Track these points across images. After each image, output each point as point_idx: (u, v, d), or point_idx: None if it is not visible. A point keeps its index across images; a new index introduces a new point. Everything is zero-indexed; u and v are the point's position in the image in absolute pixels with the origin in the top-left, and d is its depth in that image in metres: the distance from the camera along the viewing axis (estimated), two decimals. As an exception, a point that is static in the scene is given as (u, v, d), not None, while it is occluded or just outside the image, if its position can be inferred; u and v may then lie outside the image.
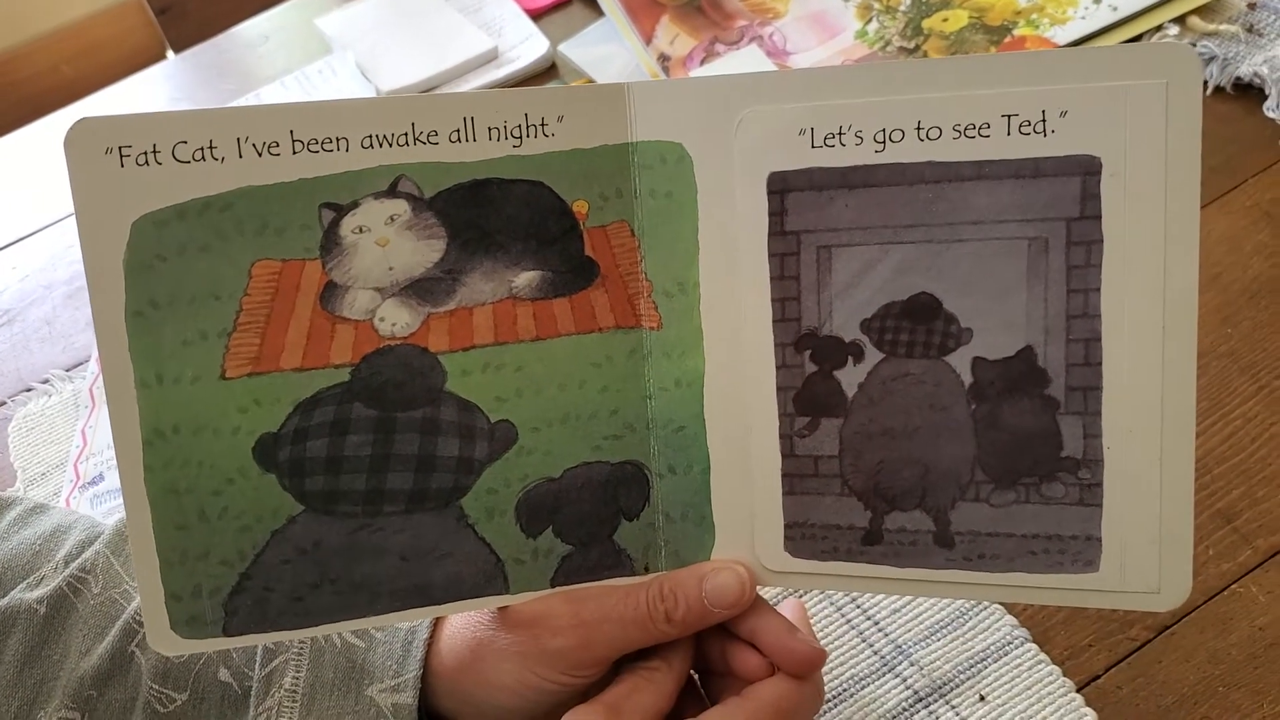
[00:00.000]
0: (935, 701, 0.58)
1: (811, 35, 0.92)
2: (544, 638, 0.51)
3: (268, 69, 1.05)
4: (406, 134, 0.47)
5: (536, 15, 1.01)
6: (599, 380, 0.51)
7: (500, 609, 0.53)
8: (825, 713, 0.59)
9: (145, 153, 0.46)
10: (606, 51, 0.95)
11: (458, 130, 0.47)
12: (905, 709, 0.59)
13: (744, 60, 0.91)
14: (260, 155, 0.46)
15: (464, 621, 0.54)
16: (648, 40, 0.93)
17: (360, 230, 0.48)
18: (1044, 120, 0.45)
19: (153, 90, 1.06)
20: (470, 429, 0.50)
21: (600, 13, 0.96)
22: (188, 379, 0.48)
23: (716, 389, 0.50)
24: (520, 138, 0.48)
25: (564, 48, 0.97)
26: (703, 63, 0.92)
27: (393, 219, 0.48)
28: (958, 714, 0.58)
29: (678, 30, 0.92)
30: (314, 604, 0.50)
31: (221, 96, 1.01)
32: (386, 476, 0.50)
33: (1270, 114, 0.83)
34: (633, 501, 0.52)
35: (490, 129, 0.47)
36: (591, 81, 0.94)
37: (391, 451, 0.50)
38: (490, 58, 0.97)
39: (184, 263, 0.47)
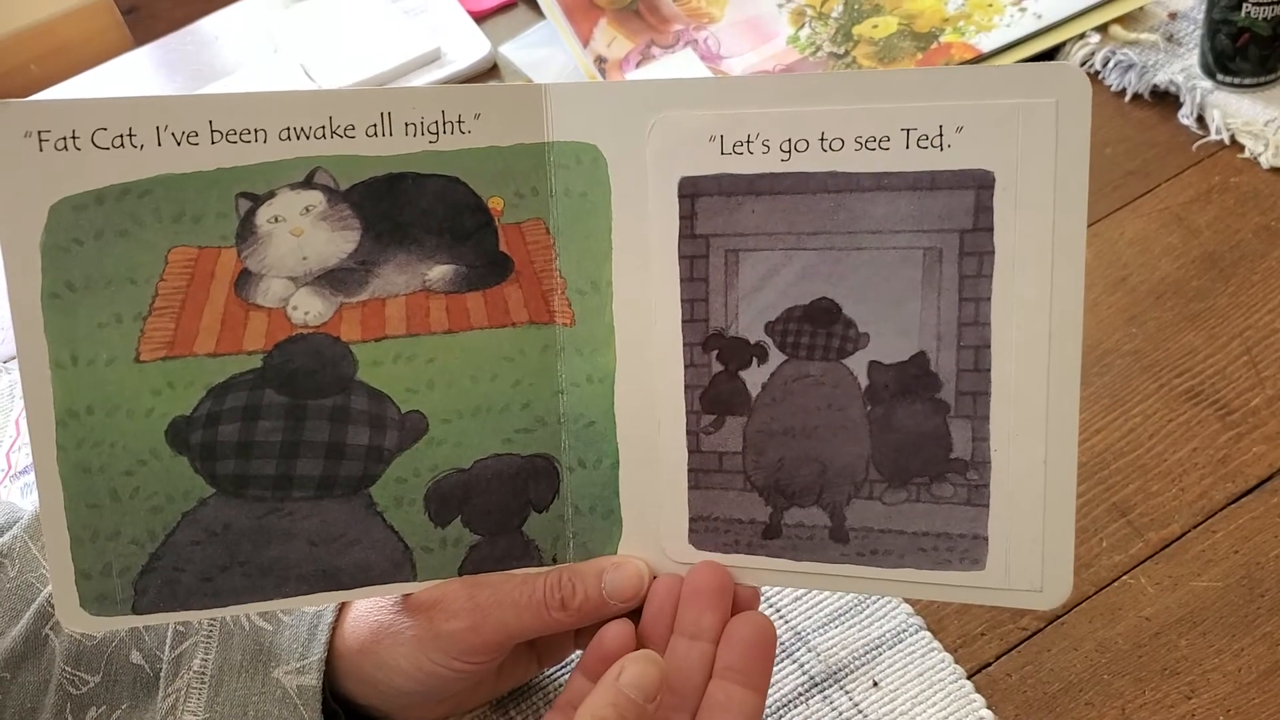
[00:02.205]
0: (830, 687, 0.62)
1: (745, 40, 0.97)
2: (438, 621, 0.54)
3: (217, 67, 1.08)
4: (324, 127, 0.50)
5: (480, 17, 1.06)
6: (511, 374, 0.54)
7: (407, 596, 0.56)
8: None
9: (65, 138, 0.49)
10: (546, 54, 1.00)
11: (375, 125, 0.51)
12: (801, 693, 0.62)
13: (679, 63, 0.96)
14: (179, 144, 0.49)
15: (368, 606, 0.57)
16: (585, 43, 0.97)
17: (276, 220, 0.51)
18: (941, 135, 0.49)
19: (106, 86, 1.08)
20: (380, 418, 0.53)
21: (542, 15, 1.00)
22: (102, 361, 0.51)
23: (627, 386, 0.54)
24: (437, 134, 0.51)
25: (505, 49, 1.01)
26: (638, 65, 0.96)
27: (308, 209, 0.51)
28: (851, 699, 0.62)
29: (615, 33, 0.97)
30: (223, 585, 0.54)
31: (169, 93, 1.04)
32: (296, 462, 0.53)
33: (1184, 121, 0.89)
34: (542, 494, 0.55)
35: (407, 124, 0.51)
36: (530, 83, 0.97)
37: (302, 438, 0.53)
38: (433, 58, 1.01)
39: (101, 246, 0.50)
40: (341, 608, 0.58)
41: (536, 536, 0.56)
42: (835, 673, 0.63)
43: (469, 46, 1.02)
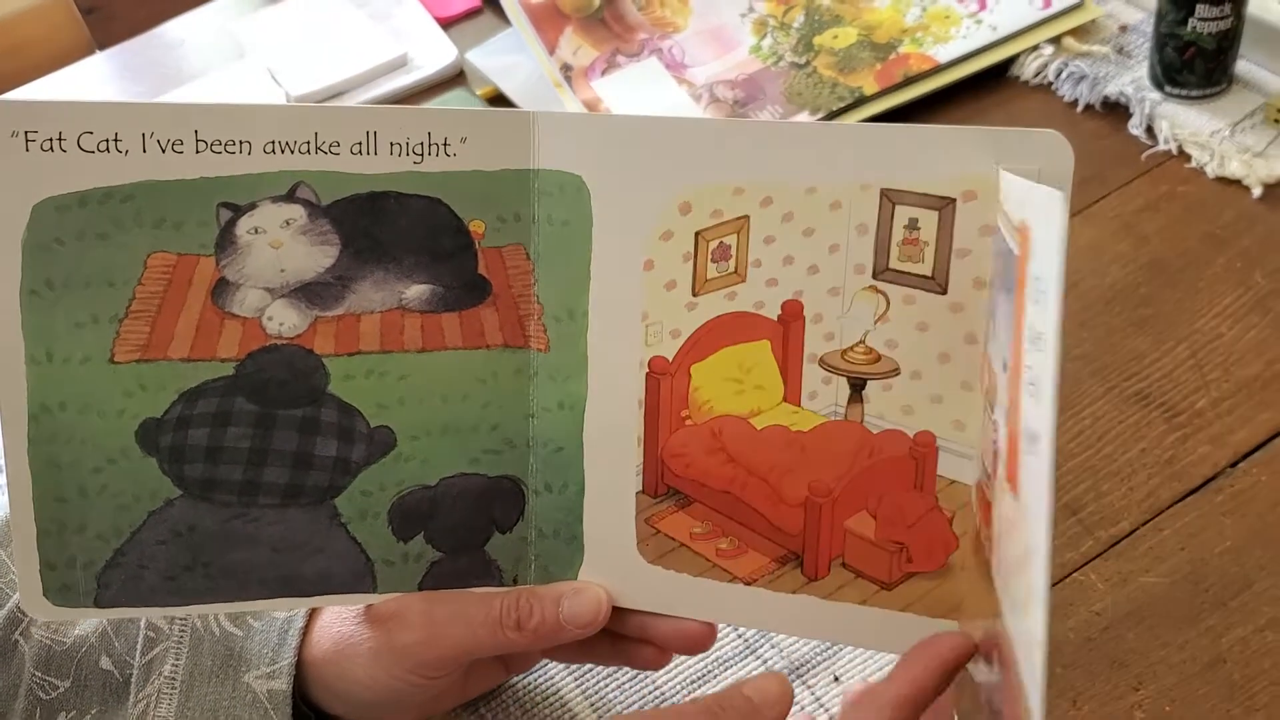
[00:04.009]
0: (792, 679, 0.64)
1: (708, 49, 1.00)
2: (395, 633, 0.57)
3: (184, 72, 1.12)
4: (309, 142, 0.52)
5: (447, 23, 1.09)
6: (482, 395, 0.56)
7: (366, 606, 0.58)
8: (687, 694, 0.65)
9: (51, 139, 0.51)
10: (512, 61, 1.03)
11: (360, 143, 0.53)
12: None
13: (643, 72, 0.99)
14: (164, 151, 0.52)
15: (333, 616, 0.60)
16: (551, 50, 1.00)
17: (256, 231, 0.53)
18: None
19: (69, 89, 1.11)
20: (349, 431, 0.56)
21: (509, 22, 1.03)
22: (77, 359, 0.53)
23: (597, 415, 0.56)
24: (422, 155, 0.53)
25: (471, 55, 1.04)
26: (604, 73, 1.00)
27: (288, 223, 0.53)
28: (813, 694, 0.64)
29: (581, 41, 1.01)
30: (185, 585, 0.56)
31: (134, 98, 1.06)
32: (264, 470, 0.55)
33: (1134, 131, 0.93)
34: (507, 515, 0.58)
35: (392, 144, 0.53)
36: (496, 89, 1.02)
37: (270, 446, 0.55)
38: (399, 64, 1.05)
39: (82, 248, 0.53)
40: (311, 615, 0.60)
41: (498, 557, 0.58)
42: (798, 667, 0.65)
43: (435, 53, 1.05)
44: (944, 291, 0.51)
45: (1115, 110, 0.94)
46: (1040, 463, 0.40)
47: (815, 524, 0.55)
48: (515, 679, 0.66)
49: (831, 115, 0.95)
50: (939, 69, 0.97)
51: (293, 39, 1.07)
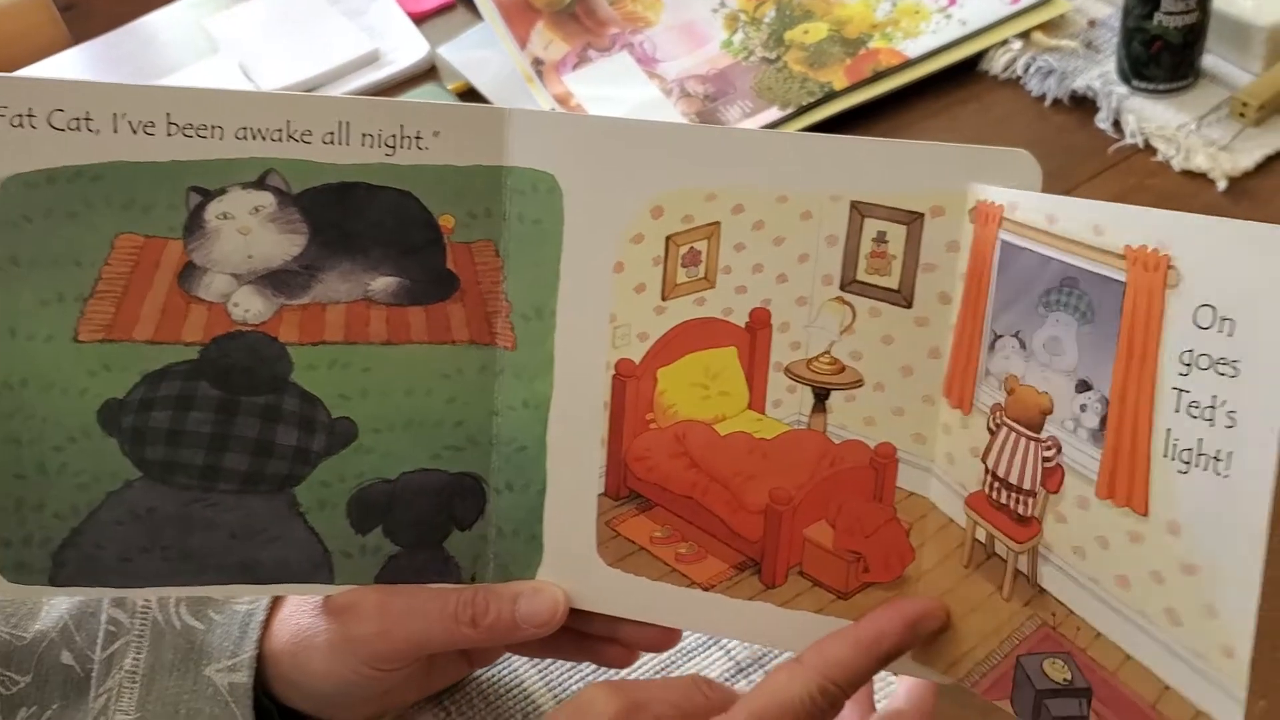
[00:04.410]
0: (755, 671, 0.66)
1: (680, 44, 1.01)
2: (349, 625, 0.57)
3: (157, 67, 1.11)
4: (281, 130, 0.52)
5: (420, 19, 1.09)
6: (447, 391, 0.56)
7: (324, 598, 0.59)
8: None
9: (21, 115, 0.51)
10: (484, 55, 1.03)
11: (332, 132, 0.52)
12: (727, 679, 0.66)
13: (615, 67, 0.99)
14: (135, 133, 0.51)
15: (293, 608, 0.60)
16: (523, 45, 1.01)
17: (224, 217, 0.53)
18: None
19: None
20: (311, 421, 0.55)
21: (481, 17, 1.04)
22: (41, 337, 0.53)
23: (561, 415, 0.56)
24: (394, 147, 0.53)
25: (443, 50, 1.05)
26: (575, 68, 1.00)
27: (257, 210, 0.53)
28: None
29: (552, 36, 1.01)
30: (142, 567, 0.56)
31: None
32: (224, 455, 0.55)
33: (1102, 125, 0.94)
34: (467, 512, 0.58)
35: (364, 135, 0.53)
36: (468, 84, 1.02)
37: (231, 432, 0.55)
38: (371, 59, 1.05)
39: (49, 226, 0.52)
40: (272, 608, 0.60)
41: (457, 553, 0.58)
42: (760, 658, 0.66)
43: (407, 48, 1.06)
44: (909, 305, 0.52)
45: (1083, 104, 0.96)
46: (1245, 482, 0.40)
47: (775, 531, 0.55)
48: (479, 672, 0.67)
49: (801, 110, 0.95)
50: (908, 64, 0.98)
51: (265, 34, 1.08)
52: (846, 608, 0.55)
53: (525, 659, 0.67)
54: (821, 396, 0.54)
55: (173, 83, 1.06)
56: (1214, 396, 0.41)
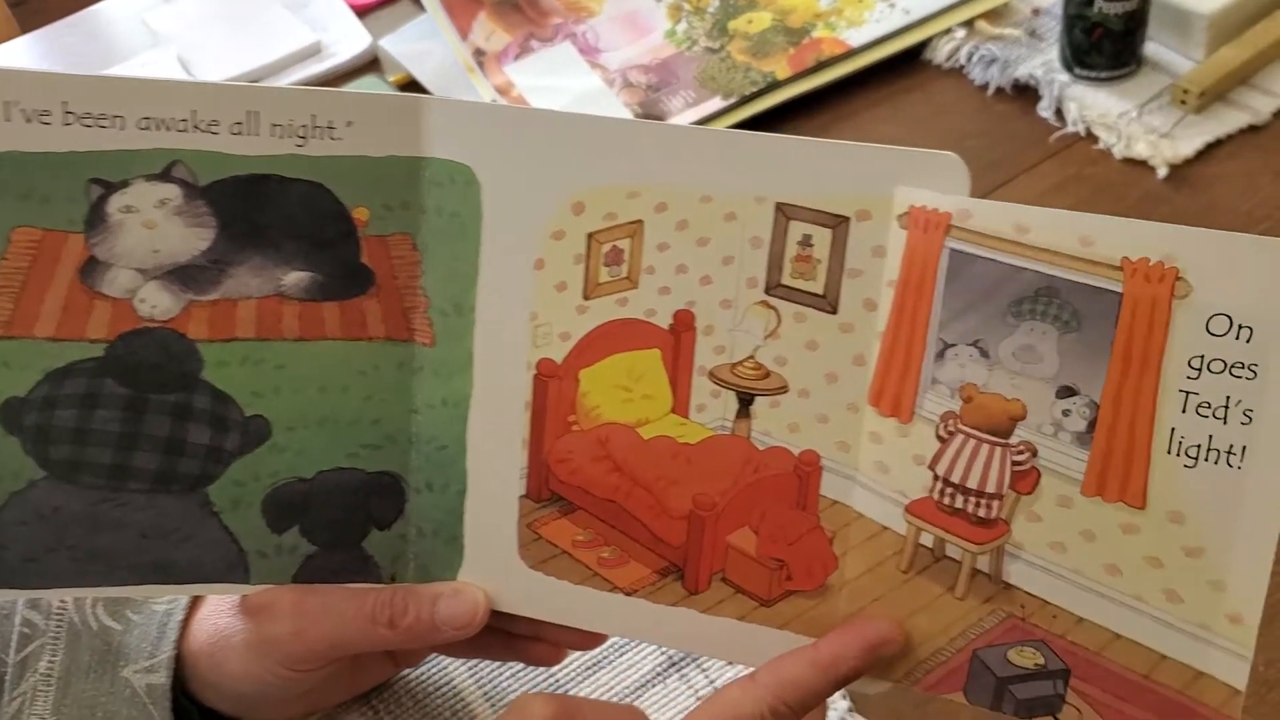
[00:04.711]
0: (687, 665, 0.64)
1: (623, 34, 0.98)
2: (264, 625, 0.55)
3: (100, 61, 1.07)
4: (186, 120, 0.49)
5: (363, 11, 1.06)
6: (363, 388, 0.54)
7: (240, 598, 0.56)
8: (584, 680, 0.64)
9: (-91, 102, 0.48)
10: (426, 47, 1.00)
11: (240, 123, 0.50)
12: (659, 674, 0.64)
13: (557, 57, 0.96)
14: (29, 122, 0.48)
15: (211, 608, 0.57)
16: (464, 35, 0.98)
17: (128, 210, 0.50)
18: None
19: None
20: (223, 419, 0.53)
21: (423, 8, 1.01)
22: (-64, 332, 0.50)
23: (482, 414, 0.54)
24: (305, 137, 0.50)
25: (384, 42, 1.02)
26: (517, 58, 0.97)
27: (163, 203, 0.50)
28: (708, 677, 0.64)
29: (494, 27, 0.98)
30: (48, 567, 0.53)
31: None
32: (134, 454, 0.53)
33: (1044, 114, 0.92)
34: (385, 512, 0.55)
35: (274, 125, 0.50)
36: (409, 75, 0.99)
37: (141, 431, 0.52)
38: (313, 52, 1.02)
39: (-59, 217, 0.49)
40: (191, 608, 0.58)
41: (376, 553, 0.56)
42: (677, 662, 0.64)
43: (349, 40, 1.03)
44: (834, 311, 0.50)
45: (1026, 93, 0.94)
46: (1260, 470, 0.43)
47: (698, 537, 0.53)
48: (409, 671, 0.65)
49: (744, 100, 0.93)
50: (852, 53, 0.96)
51: (206, 27, 1.05)
52: (769, 615, 0.53)
53: (459, 658, 0.65)
54: (746, 402, 0.52)
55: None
56: (1228, 397, 0.44)
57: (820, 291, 0.50)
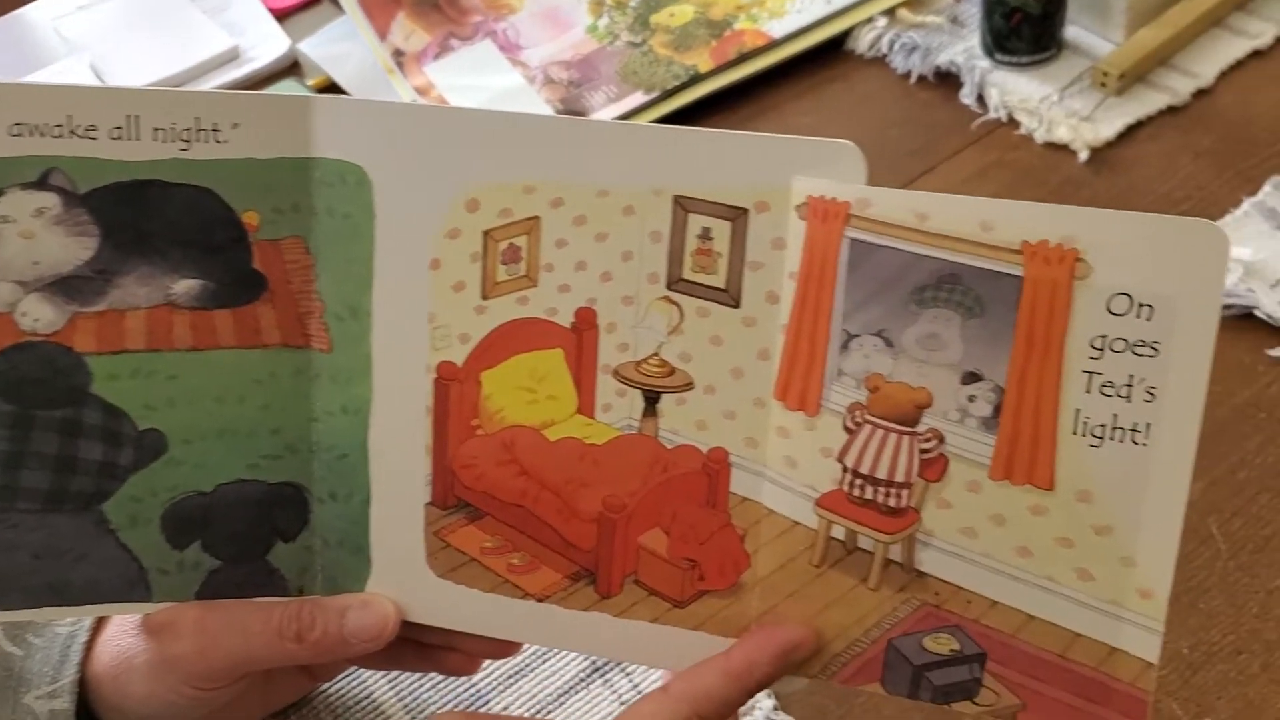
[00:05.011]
0: (611, 670, 0.62)
1: (544, 30, 0.96)
2: (166, 644, 0.52)
3: (10, 70, 1.03)
4: (62, 125, 0.47)
5: (283, 14, 1.04)
6: (260, 397, 0.51)
7: (143, 617, 0.54)
8: (505, 689, 0.62)
9: None
10: (345, 49, 0.98)
11: (120, 127, 0.47)
12: (583, 679, 0.62)
13: (478, 55, 0.94)
14: (-108, 130, 0.46)
15: (115, 629, 0.55)
16: (383, 36, 0.95)
17: (3, 220, 0.47)
18: None
19: None
20: (116, 434, 0.50)
21: (343, 10, 0.98)
22: None
23: (383, 420, 0.51)
24: (189, 141, 0.48)
25: (304, 46, 0.99)
26: (436, 58, 0.95)
27: (41, 212, 0.48)
28: (631, 681, 0.62)
29: (413, 26, 0.96)
30: (-63, 592, 0.51)
31: None
32: (21, 474, 0.50)
33: (966, 100, 0.91)
34: (289, 523, 0.53)
35: (156, 129, 0.47)
36: (329, 78, 0.96)
37: (28, 449, 0.50)
38: (230, 57, 1.00)
39: None
40: (95, 630, 0.55)
41: (282, 566, 0.53)
42: (599, 667, 0.63)
43: (268, 44, 1.01)
44: (737, 305, 0.48)
45: (948, 80, 0.93)
46: (1166, 446, 0.43)
47: (608, 540, 0.51)
48: (327, 685, 0.62)
49: (666, 94, 0.91)
50: (774, 45, 0.94)
51: (120, 34, 1.01)
52: (683, 616, 0.51)
53: (376, 670, 0.63)
54: (652, 400, 0.50)
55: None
56: (1131, 375, 0.43)
57: (722, 285, 0.48)
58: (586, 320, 0.49)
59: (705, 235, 0.47)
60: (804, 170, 0.46)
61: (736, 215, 0.47)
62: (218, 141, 0.48)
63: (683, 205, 0.47)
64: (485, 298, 0.50)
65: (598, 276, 0.49)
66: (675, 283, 0.48)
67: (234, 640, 0.52)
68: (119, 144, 0.47)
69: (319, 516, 0.53)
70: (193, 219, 0.49)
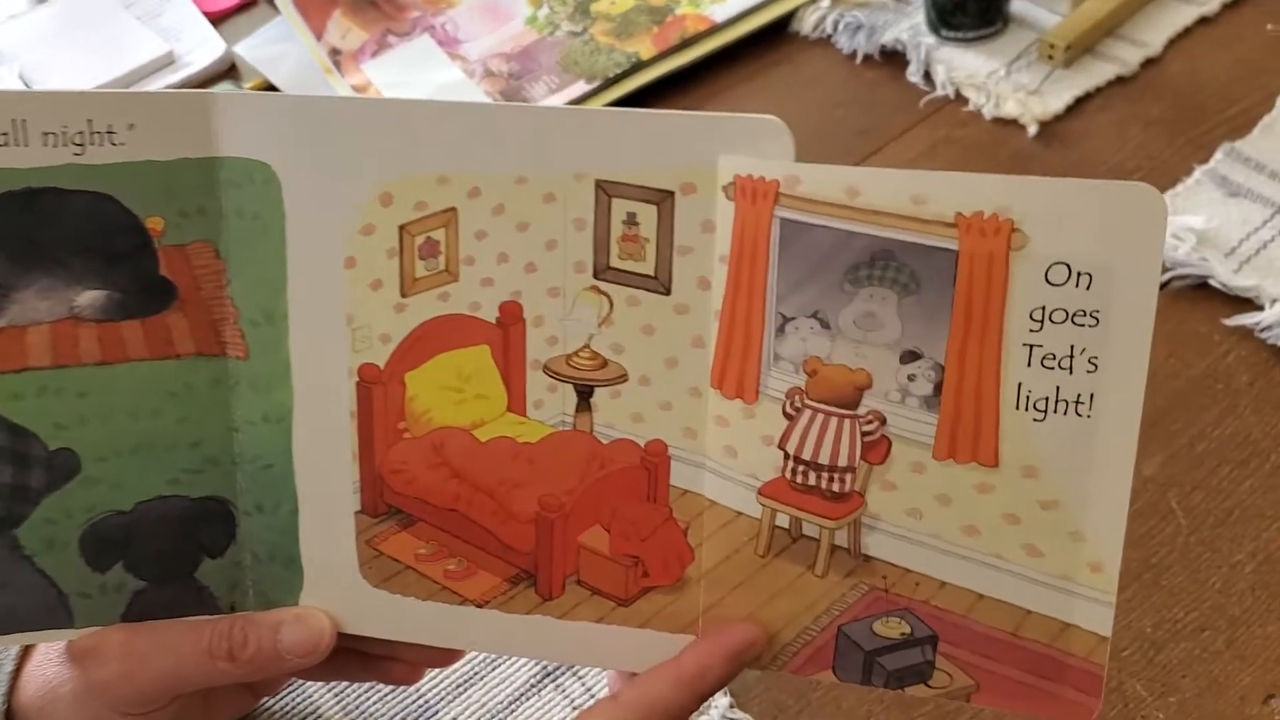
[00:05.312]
0: (563, 675, 0.60)
1: (483, 23, 0.93)
2: (91, 669, 0.50)
3: None
4: (-56, 132, 0.44)
5: (218, 18, 1.01)
6: (177, 410, 0.49)
7: (67, 643, 0.51)
8: (454, 698, 0.60)
9: None
10: (281, 50, 0.95)
11: (5, 133, 0.44)
12: (534, 684, 0.60)
13: (416, 51, 0.91)
14: None
15: (41, 658, 0.52)
16: (319, 35, 0.93)
17: None
18: None
19: None
20: (24, 456, 0.48)
21: (278, 11, 0.96)
22: None
23: (306, 427, 0.49)
24: (83, 145, 0.45)
25: (240, 48, 0.97)
26: (374, 55, 0.92)
27: (-73, 225, 0.45)
28: (584, 685, 0.60)
29: (349, 24, 0.93)
30: None
31: None
32: (-75, 501, 0.47)
33: (912, 78, 0.89)
34: (215, 539, 0.50)
35: (46, 133, 0.45)
36: (265, 80, 0.94)
37: (-68, 475, 0.47)
38: (166, 62, 0.97)
39: None
40: (21, 660, 0.53)
41: (212, 583, 0.51)
42: (551, 672, 0.60)
43: (204, 48, 0.98)
44: (668, 292, 0.45)
45: (894, 58, 0.90)
46: (1110, 417, 0.41)
47: (547, 541, 0.49)
48: (269, 700, 0.60)
49: (609, 82, 0.88)
50: (716, 29, 0.91)
51: (52, 42, 0.98)
52: (628, 614, 0.49)
53: (319, 682, 0.60)
54: (585, 394, 0.47)
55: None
56: (1072, 346, 0.41)
57: (651, 272, 0.46)
58: (512, 314, 0.47)
59: (631, 220, 0.45)
60: (730, 149, 0.43)
61: (662, 198, 0.44)
62: (114, 144, 0.45)
63: (605, 190, 0.45)
64: (405, 295, 0.47)
65: (521, 268, 0.46)
66: (603, 271, 0.46)
67: (163, 662, 0.50)
68: (6, 150, 0.44)
69: (246, 530, 0.50)
70: (92, 227, 0.46)
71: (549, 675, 0.60)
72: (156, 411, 0.49)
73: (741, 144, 0.43)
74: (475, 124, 0.45)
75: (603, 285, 0.46)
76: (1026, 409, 0.42)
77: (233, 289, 0.48)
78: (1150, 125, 0.84)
